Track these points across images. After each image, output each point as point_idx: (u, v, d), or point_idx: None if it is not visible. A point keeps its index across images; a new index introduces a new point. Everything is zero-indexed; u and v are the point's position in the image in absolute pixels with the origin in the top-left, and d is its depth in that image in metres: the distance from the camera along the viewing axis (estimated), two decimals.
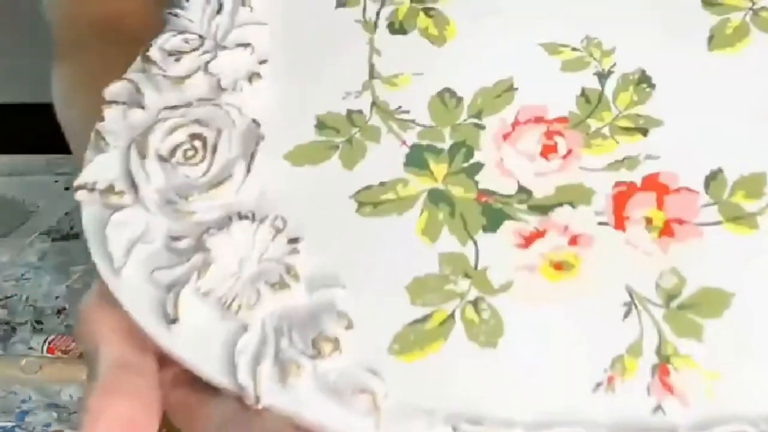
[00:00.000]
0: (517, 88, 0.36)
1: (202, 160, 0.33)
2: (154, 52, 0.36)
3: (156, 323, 0.31)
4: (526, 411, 0.28)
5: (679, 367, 0.29)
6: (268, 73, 0.36)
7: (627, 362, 0.29)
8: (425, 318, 0.31)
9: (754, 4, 0.37)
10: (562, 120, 0.35)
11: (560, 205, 0.33)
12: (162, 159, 0.33)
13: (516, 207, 0.33)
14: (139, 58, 0.37)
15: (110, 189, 0.33)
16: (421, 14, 0.38)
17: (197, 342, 0.30)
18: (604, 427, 0.28)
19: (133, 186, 0.33)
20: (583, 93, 0.36)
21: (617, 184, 0.33)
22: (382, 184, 0.34)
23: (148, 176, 0.33)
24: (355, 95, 0.36)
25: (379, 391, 0.28)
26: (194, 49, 0.36)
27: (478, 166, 0.34)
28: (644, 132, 0.34)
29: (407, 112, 0.36)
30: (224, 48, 0.36)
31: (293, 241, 0.32)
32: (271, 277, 0.31)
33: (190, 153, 0.33)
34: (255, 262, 0.31)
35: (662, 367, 0.29)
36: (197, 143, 0.34)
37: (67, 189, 0.62)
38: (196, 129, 0.34)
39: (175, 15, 0.38)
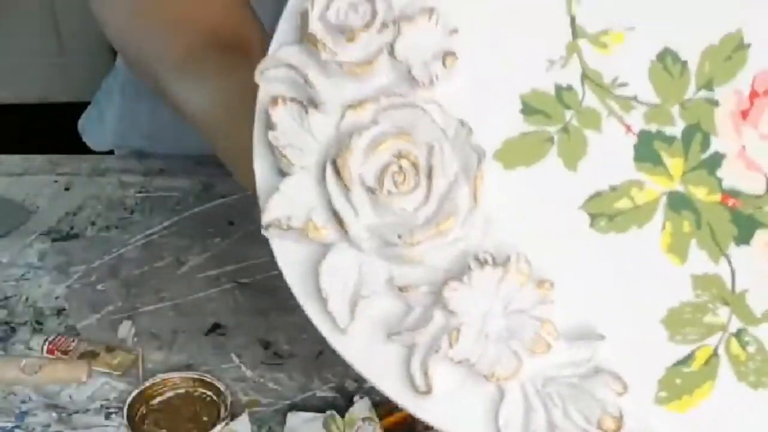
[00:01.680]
0: (749, 45, 0.31)
1: (416, 187, 0.28)
2: (316, 27, 0.29)
3: (403, 391, 0.28)
4: None
5: None
6: (462, 44, 0.30)
7: None
8: (689, 357, 0.29)
9: None
10: None
11: None
12: (369, 190, 0.28)
13: (767, 211, 0.30)
14: (290, 31, 0.30)
15: (309, 226, 0.28)
16: None
17: (453, 411, 0.28)
18: None
19: (338, 221, 0.28)
20: None
21: None
22: (613, 188, 0.30)
23: (355, 210, 0.28)
24: (561, 64, 0.31)
25: None
26: (370, 22, 0.29)
27: (719, 157, 0.30)
28: None
29: (626, 85, 0.31)
30: (405, 20, 0.29)
31: (542, 284, 0.28)
32: (525, 335, 0.28)
33: (399, 178, 0.28)
34: (500, 315, 0.28)
35: None
36: (405, 164, 0.29)
37: (67, 189, 0.59)
38: (402, 145, 0.28)
39: None
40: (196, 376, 0.61)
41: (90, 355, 0.64)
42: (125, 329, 0.65)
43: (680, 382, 0.28)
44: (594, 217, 0.30)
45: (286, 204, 0.29)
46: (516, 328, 0.28)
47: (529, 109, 0.30)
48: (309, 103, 0.29)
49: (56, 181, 0.77)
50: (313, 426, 0.57)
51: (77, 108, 0.77)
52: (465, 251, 0.28)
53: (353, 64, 0.29)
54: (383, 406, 0.57)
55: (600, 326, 0.28)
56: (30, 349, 0.63)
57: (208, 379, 0.61)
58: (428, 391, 0.27)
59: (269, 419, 0.58)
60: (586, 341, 0.28)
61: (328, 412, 0.57)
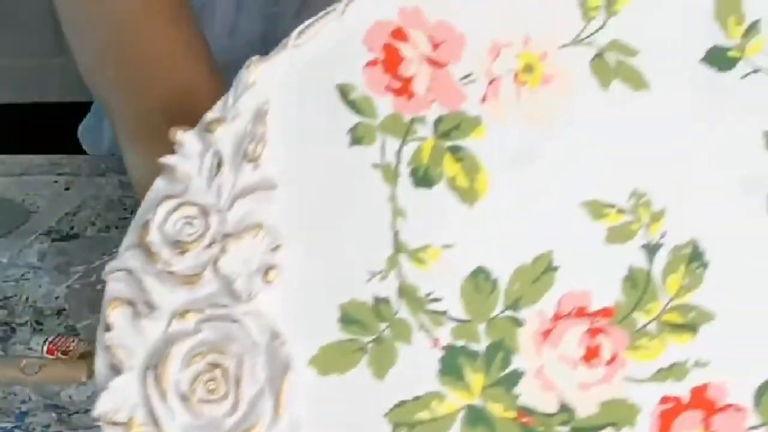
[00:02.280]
0: (557, 267, 0.33)
1: (225, 397, 0.31)
2: (154, 238, 0.32)
3: None
4: None
5: None
6: (284, 257, 0.33)
7: None
8: None
9: None
10: (607, 312, 0.33)
11: (603, 427, 0.32)
12: (183, 397, 0.31)
13: (557, 430, 0.32)
14: (135, 237, 0.33)
15: (132, 422, 0.32)
16: (448, 156, 0.34)
17: None
18: None
19: (155, 421, 0.31)
20: (630, 275, 0.33)
21: (663, 399, 0.32)
22: (416, 398, 0.32)
23: (171, 413, 0.31)
24: (381, 276, 0.33)
25: None
26: (199, 237, 0.32)
27: (518, 375, 0.32)
28: (693, 329, 0.32)
29: (439, 300, 0.33)
30: (231, 237, 0.32)
31: None
32: None
33: (211, 386, 0.32)
34: None
35: None
36: (218, 373, 0.31)
37: (67, 189, 0.59)
38: (215, 358, 0.31)
39: (172, 168, 0.33)
40: None
41: (90, 356, 0.63)
42: None
43: None
44: (396, 426, 0.32)
45: (113, 400, 0.32)
46: None
47: (346, 319, 0.33)
48: (144, 306, 0.32)
49: (56, 182, 0.77)
50: None
51: (77, 108, 0.77)
52: None
53: (183, 275, 0.32)
54: None
55: None
56: (30, 349, 0.63)
57: None
58: None
59: None
60: None
61: None
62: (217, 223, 0.33)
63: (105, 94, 0.52)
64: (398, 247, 0.33)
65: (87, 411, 0.57)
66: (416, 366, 0.32)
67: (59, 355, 0.62)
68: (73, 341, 0.63)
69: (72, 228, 0.73)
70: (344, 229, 0.34)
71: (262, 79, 0.34)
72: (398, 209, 0.34)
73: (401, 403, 0.32)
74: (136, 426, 0.31)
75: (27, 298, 0.68)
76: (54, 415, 0.59)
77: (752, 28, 0.34)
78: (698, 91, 0.34)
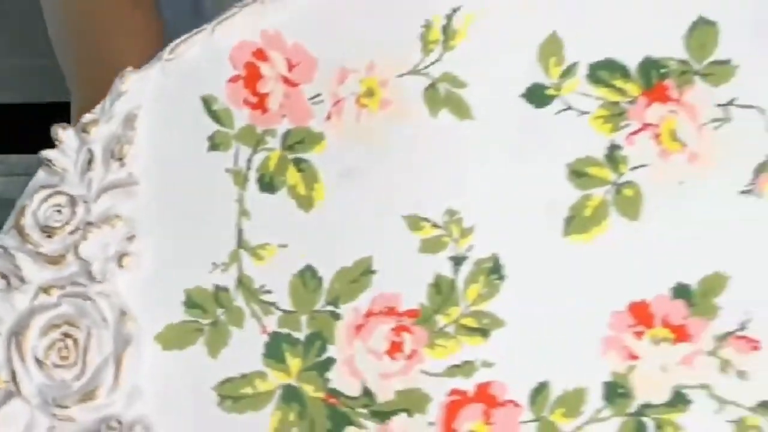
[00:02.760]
0: (375, 271, 0.38)
1: (74, 363, 0.37)
2: (28, 222, 0.38)
3: None
4: None
5: None
6: (139, 247, 0.38)
7: None
8: None
9: (620, 176, 0.38)
10: (413, 313, 0.37)
11: (398, 412, 0.37)
12: (38, 361, 0.37)
13: (359, 411, 0.37)
14: (13, 220, 0.38)
15: None
16: (291, 167, 0.39)
17: None
18: None
19: (15, 379, 0.37)
20: (436, 282, 0.38)
21: (452, 391, 0.37)
22: (242, 376, 0.37)
23: (29, 374, 0.37)
24: (222, 268, 0.38)
25: None
26: (65, 224, 0.38)
27: (330, 362, 0.37)
28: (485, 333, 0.37)
29: (270, 292, 0.38)
30: (92, 226, 0.37)
31: None
32: None
33: (63, 353, 0.37)
34: None
35: None
36: (70, 343, 0.37)
37: None
38: (68, 329, 0.37)
39: (49, 162, 0.39)
40: None
41: None
42: None
43: None
44: (223, 399, 0.37)
45: None
46: None
47: (190, 303, 0.38)
48: (16, 280, 0.38)
49: None
50: None
51: None
52: (107, 416, 0.36)
53: (50, 256, 0.37)
54: None
55: None
56: None
57: None
58: None
59: None
60: None
61: None
62: (82, 213, 0.38)
63: (66, 66, 0.56)
64: (241, 244, 0.38)
65: None
66: (245, 348, 0.38)
67: None
68: None
69: None
70: (195, 224, 0.39)
71: (134, 87, 0.39)
72: (244, 210, 0.39)
73: (229, 379, 0.37)
74: (1, 382, 0.37)
75: None
76: None
77: (569, 70, 0.38)
78: (516, 123, 0.38)
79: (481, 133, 0.38)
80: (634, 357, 0.36)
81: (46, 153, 0.38)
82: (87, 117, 0.39)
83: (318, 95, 0.39)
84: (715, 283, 0.36)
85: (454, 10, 0.38)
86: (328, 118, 0.39)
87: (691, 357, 0.36)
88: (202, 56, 0.39)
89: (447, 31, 0.38)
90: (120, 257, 0.37)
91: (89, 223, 0.37)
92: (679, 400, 0.36)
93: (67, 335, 0.37)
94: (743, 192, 0.37)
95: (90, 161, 0.38)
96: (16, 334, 0.37)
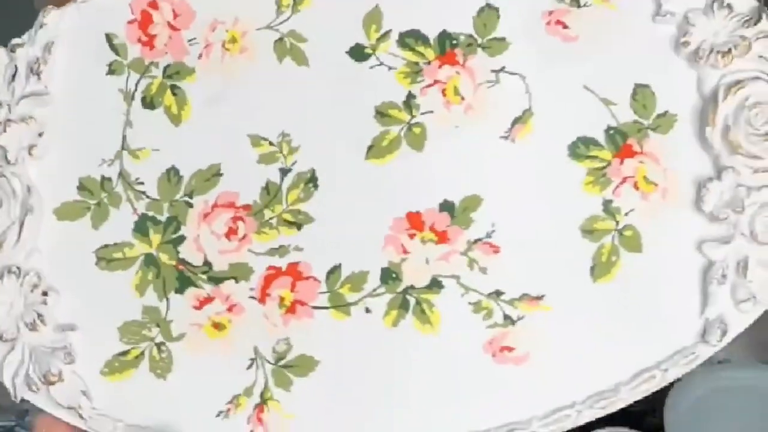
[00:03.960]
0: (222, 174, 0.50)
1: None
2: None
3: None
4: (169, 423, 0.48)
5: (270, 407, 0.48)
6: (46, 142, 0.50)
7: (241, 400, 0.48)
8: (126, 352, 0.49)
9: (412, 117, 0.50)
10: (247, 207, 0.50)
11: (228, 279, 0.49)
12: None
13: (200, 276, 0.49)
14: None
15: None
16: (168, 92, 0.51)
17: None
18: None
19: None
20: (267, 186, 0.50)
21: (269, 267, 0.49)
22: (116, 244, 0.50)
23: None
24: (108, 163, 0.51)
25: (85, 405, 0.48)
26: None
27: (182, 239, 0.50)
28: (299, 227, 0.50)
29: (142, 183, 0.50)
30: (11, 121, 0.50)
31: (45, 293, 0.49)
32: (27, 319, 0.48)
33: None
34: (21, 306, 0.49)
35: (260, 406, 0.48)
36: None
37: None
38: None
39: None
40: None
41: None
42: None
43: (117, 365, 0.49)
44: (99, 259, 0.50)
45: None
46: (25, 311, 0.48)
47: (81, 187, 0.50)
48: None
49: None
50: None
51: None
52: (9, 264, 0.49)
53: None
54: None
55: (81, 322, 0.49)
56: None
57: None
58: None
59: None
60: (63, 332, 0.48)
61: None
62: (5, 113, 0.50)
63: None
64: (124, 146, 0.51)
65: None
66: (119, 224, 0.50)
67: None
68: None
69: None
70: (90, 129, 0.51)
71: (53, 21, 0.51)
72: (129, 121, 0.51)
73: (105, 246, 0.50)
74: None
75: None
76: None
77: (384, 35, 0.50)
78: (340, 72, 0.50)
79: (314, 78, 0.50)
80: (406, 252, 0.49)
81: None
82: (15, 40, 0.51)
83: (194, 39, 0.51)
84: (472, 202, 0.49)
85: None
86: (200, 57, 0.51)
87: (448, 255, 0.49)
88: (108, 2, 0.51)
89: None
90: (30, 148, 0.50)
91: (9, 120, 0.50)
92: (435, 285, 0.49)
93: None
94: (502, 137, 0.49)
95: (14, 75, 0.50)
96: None
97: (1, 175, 0.49)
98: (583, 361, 0.47)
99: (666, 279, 0.48)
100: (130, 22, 0.51)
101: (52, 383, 0.47)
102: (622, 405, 0.47)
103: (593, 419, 0.47)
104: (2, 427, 0.59)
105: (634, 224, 0.48)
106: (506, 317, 0.48)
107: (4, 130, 0.50)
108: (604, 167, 0.48)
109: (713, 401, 0.57)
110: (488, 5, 0.50)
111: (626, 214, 0.48)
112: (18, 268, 0.48)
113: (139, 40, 0.51)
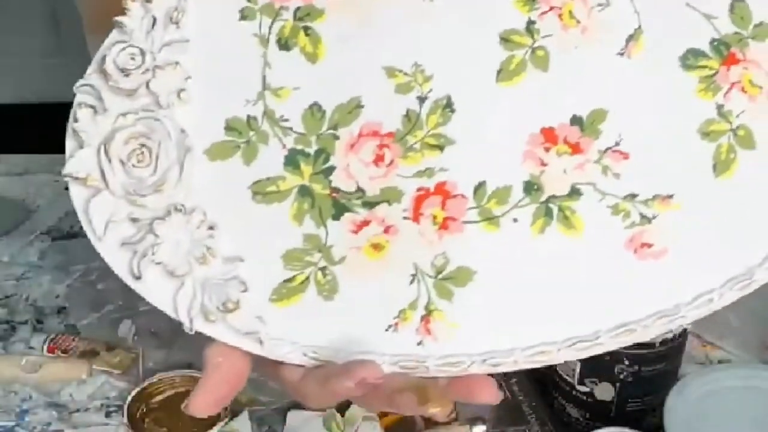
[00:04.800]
0: (363, 106, 0.53)
1: (149, 165, 0.51)
2: (109, 66, 0.52)
3: (126, 276, 0.50)
4: (343, 341, 0.51)
5: (435, 317, 0.51)
6: (192, 86, 0.52)
7: (407, 313, 0.51)
8: (292, 278, 0.51)
9: (534, 41, 0.54)
10: (390, 135, 0.53)
11: (381, 203, 0.52)
12: (122, 162, 0.51)
13: (354, 202, 0.52)
14: (96, 66, 0.52)
15: (88, 178, 0.51)
16: (301, 33, 0.54)
17: (154, 290, 0.50)
18: (389, 356, 0.50)
19: (104, 177, 0.51)
20: (407, 113, 0.53)
21: (419, 188, 0.52)
22: (268, 178, 0.52)
23: (114, 173, 0.51)
24: (252, 103, 0.53)
25: (262, 330, 0.50)
26: (138, 67, 0.52)
27: (332, 169, 0.53)
28: (442, 149, 0.53)
29: (287, 120, 0.53)
30: (159, 68, 0.52)
31: (211, 228, 0.51)
32: (197, 254, 0.50)
33: (140, 158, 0.51)
34: (188, 242, 0.51)
35: (426, 317, 0.51)
36: (145, 150, 0.51)
37: (67, 188, 0.60)
38: (144, 140, 0.51)
39: (121, 25, 0.52)
40: (196, 375, 0.62)
41: (90, 354, 0.64)
42: (125, 328, 0.68)
43: (285, 291, 0.51)
44: (254, 194, 0.52)
45: (77, 165, 0.51)
46: (193, 247, 0.50)
47: (228, 127, 0.53)
48: (101, 108, 0.51)
49: (56, 181, 0.78)
50: (313, 424, 0.57)
51: None
52: (172, 203, 0.51)
53: (127, 90, 0.51)
54: None
55: (245, 256, 0.51)
56: (30, 347, 0.64)
57: None
58: (139, 277, 0.50)
59: (269, 418, 0.59)
60: (232, 262, 0.50)
61: (329, 411, 0.57)
62: (150, 60, 0.52)
63: None
64: (265, 87, 0.53)
65: (87, 409, 0.60)
66: (270, 159, 0.52)
67: (59, 353, 0.63)
68: (74, 340, 0.64)
69: (72, 227, 0.74)
70: (231, 72, 0.53)
71: None
72: (267, 62, 0.53)
73: (259, 180, 0.52)
74: (91, 180, 0.51)
75: (27, 297, 0.69)
76: (54, 413, 0.59)
77: None
78: (462, 3, 0.54)
79: (440, 11, 0.54)
80: (544, 164, 0.53)
81: (119, 18, 0.52)
82: None
83: None
84: (599, 115, 0.53)
85: None
86: None
87: (582, 164, 0.53)
88: None
89: None
90: (179, 92, 0.52)
91: (157, 66, 0.51)
92: (574, 192, 0.53)
93: (143, 145, 0.51)
94: (618, 54, 0.54)
95: (153, 24, 0.52)
96: (105, 145, 0.51)
97: (155, 119, 0.51)
98: (715, 252, 0.52)
99: None
100: None
101: (231, 311, 0.49)
102: (757, 285, 0.52)
103: (734, 300, 0.52)
104: (2, 427, 0.58)
105: (746, 123, 0.53)
106: (642, 217, 0.52)
107: (154, 76, 0.51)
108: (713, 75, 0.53)
109: (713, 401, 0.59)
110: None
111: (737, 116, 0.53)
112: (182, 205, 0.50)
113: None
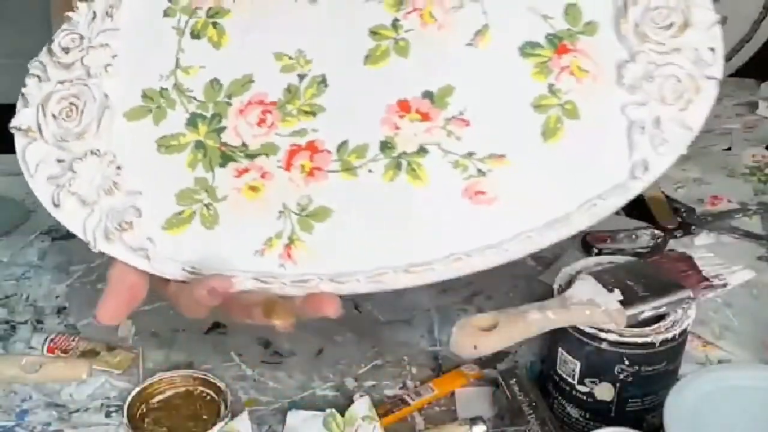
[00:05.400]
0: (254, 81, 0.65)
1: (74, 119, 0.64)
2: (55, 47, 0.65)
3: (49, 204, 0.62)
4: (216, 260, 0.61)
5: (296, 246, 0.61)
6: (118, 63, 0.66)
7: (273, 241, 0.61)
8: (182, 212, 0.62)
9: (397, 35, 0.66)
10: (273, 103, 0.65)
11: (260, 155, 0.63)
12: (54, 116, 0.64)
13: (238, 154, 0.64)
14: (46, 47, 0.66)
15: (29, 129, 0.64)
16: (210, 26, 0.67)
17: (69, 216, 0.62)
18: (252, 273, 0.60)
19: (39, 128, 0.64)
20: (288, 87, 0.65)
21: (292, 145, 0.64)
22: (172, 135, 0.64)
23: (47, 125, 0.64)
24: (166, 78, 0.66)
25: (150, 248, 0.61)
26: (77, 47, 0.65)
27: (224, 129, 0.64)
28: (314, 115, 0.64)
29: (192, 91, 0.65)
30: (92, 48, 0.65)
31: (119, 168, 0.63)
32: (105, 187, 0.62)
33: (69, 113, 0.64)
34: (99, 178, 0.62)
35: (288, 246, 0.61)
36: (73, 108, 0.64)
37: None
38: (73, 100, 0.64)
39: (70, 19, 0.67)
40: (196, 375, 0.62)
41: (90, 354, 0.64)
42: (125, 328, 0.69)
43: (174, 221, 0.62)
44: (159, 146, 0.64)
45: (22, 119, 0.64)
46: (103, 181, 0.62)
47: (144, 96, 0.65)
48: (45, 77, 0.65)
49: None
50: (313, 424, 0.56)
51: None
52: (89, 149, 0.63)
53: (65, 63, 0.65)
54: (383, 404, 0.62)
55: (144, 190, 0.62)
56: (30, 347, 0.64)
57: (209, 378, 0.62)
58: (58, 205, 0.62)
59: (269, 418, 0.59)
60: (132, 195, 0.62)
61: (328, 411, 0.57)
62: (87, 42, 0.66)
63: None
64: (177, 65, 0.66)
65: (87, 409, 0.60)
66: (175, 120, 0.65)
67: (59, 353, 0.63)
68: (74, 340, 0.65)
69: None
70: (151, 54, 0.66)
71: None
72: (181, 48, 0.66)
73: (164, 136, 0.64)
74: (30, 131, 0.64)
75: (27, 297, 0.68)
76: (54, 413, 0.58)
77: None
78: (340, 4, 0.66)
79: (322, 10, 0.66)
80: (398, 128, 0.63)
81: (69, 14, 0.66)
82: None
83: None
84: (447, 91, 0.64)
85: None
86: (234, 0, 0.67)
87: (430, 129, 0.63)
88: None
89: None
90: (106, 66, 0.65)
91: (90, 47, 0.65)
92: (422, 150, 0.63)
93: (72, 104, 0.64)
94: (467, 45, 0.65)
95: (94, 17, 0.66)
96: (43, 103, 0.64)
97: (85, 85, 0.64)
98: (538, 200, 0.61)
99: (600, 136, 0.62)
100: None
101: (125, 230, 0.60)
102: (574, 230, 0.60)
103: (555, 240, 0.60)
104: (2, 427, 0.57)
105: (573, 100, 0.63)
106: (479, 171, 0.62)
107: (87, 53, 0.65)
108: (546, 61, 0.64)
109: (713, 401, 0.57)
110: None
111: (566, 93, 0.63)
112: (98, 149, 0.63)
113: None
